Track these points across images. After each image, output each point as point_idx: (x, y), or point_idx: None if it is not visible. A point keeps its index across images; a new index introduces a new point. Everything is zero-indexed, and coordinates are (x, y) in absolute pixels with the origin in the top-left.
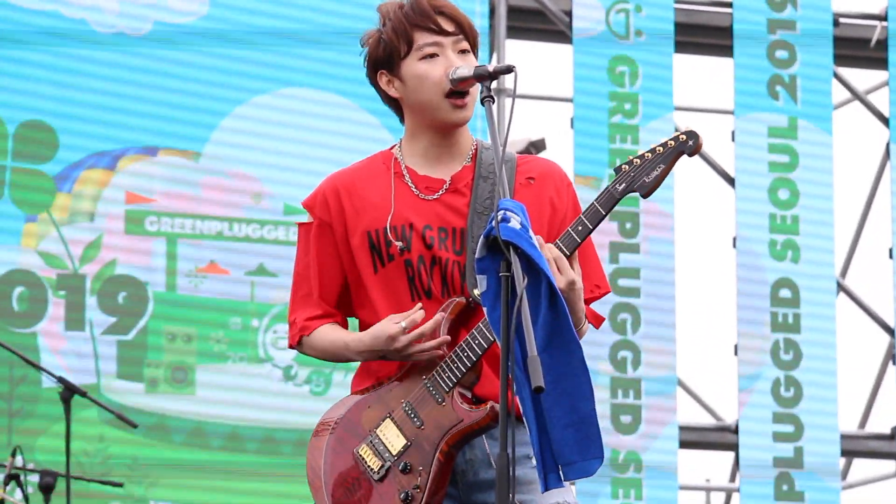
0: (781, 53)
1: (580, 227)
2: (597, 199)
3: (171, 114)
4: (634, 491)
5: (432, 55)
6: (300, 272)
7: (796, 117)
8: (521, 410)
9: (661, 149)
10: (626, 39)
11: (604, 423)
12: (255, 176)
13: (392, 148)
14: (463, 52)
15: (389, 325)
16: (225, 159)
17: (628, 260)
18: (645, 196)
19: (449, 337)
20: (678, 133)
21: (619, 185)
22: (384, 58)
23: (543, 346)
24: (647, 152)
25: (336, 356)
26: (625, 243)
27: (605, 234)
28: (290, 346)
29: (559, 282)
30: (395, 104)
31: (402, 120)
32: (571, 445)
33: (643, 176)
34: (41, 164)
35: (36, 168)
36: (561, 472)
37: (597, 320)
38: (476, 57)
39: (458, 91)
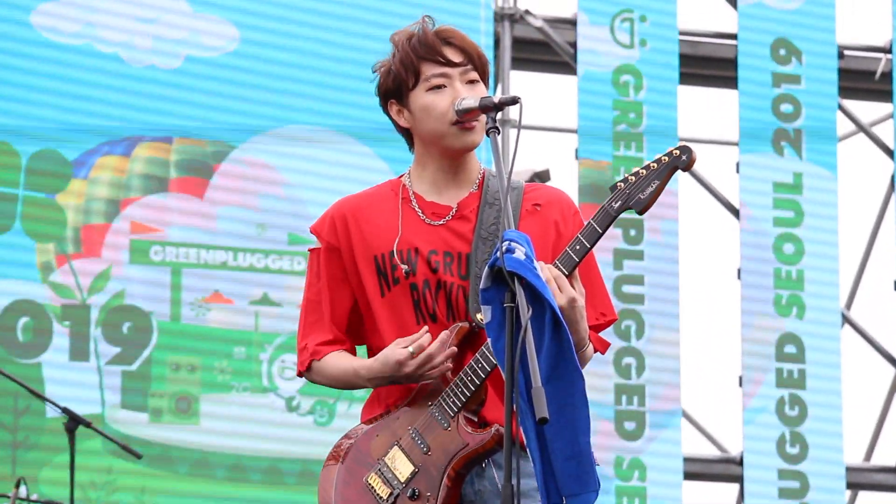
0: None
1: (578, 247)
2: (593, 217)
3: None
4: (639, 500)
5: (439, 86)
6: (310, 298)
7: (801, 174)
8: (525, 441)
9: (654, 165)
10: (630, 74)
11: (608, 426)
12: (260, 206)
13: (401, 176)
14: (471, 82)
15: (397, 350)
16: (232, 191)
17: (632, 266)
18: (641, 213)
19: (456, 348)
20: (671, 149)
21: (615, 202)
22: (393, 88)
23: (547, 377)
24: (642, 169)
25: (346, 383)
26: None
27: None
28: (299, 373)
29: (559, 300)
30: (405, 132)
31: (411, 148)
32: (573, 477)
33: (638, 193)
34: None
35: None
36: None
37: (603, 346)
38: (486, 85)
39: (462, 118)
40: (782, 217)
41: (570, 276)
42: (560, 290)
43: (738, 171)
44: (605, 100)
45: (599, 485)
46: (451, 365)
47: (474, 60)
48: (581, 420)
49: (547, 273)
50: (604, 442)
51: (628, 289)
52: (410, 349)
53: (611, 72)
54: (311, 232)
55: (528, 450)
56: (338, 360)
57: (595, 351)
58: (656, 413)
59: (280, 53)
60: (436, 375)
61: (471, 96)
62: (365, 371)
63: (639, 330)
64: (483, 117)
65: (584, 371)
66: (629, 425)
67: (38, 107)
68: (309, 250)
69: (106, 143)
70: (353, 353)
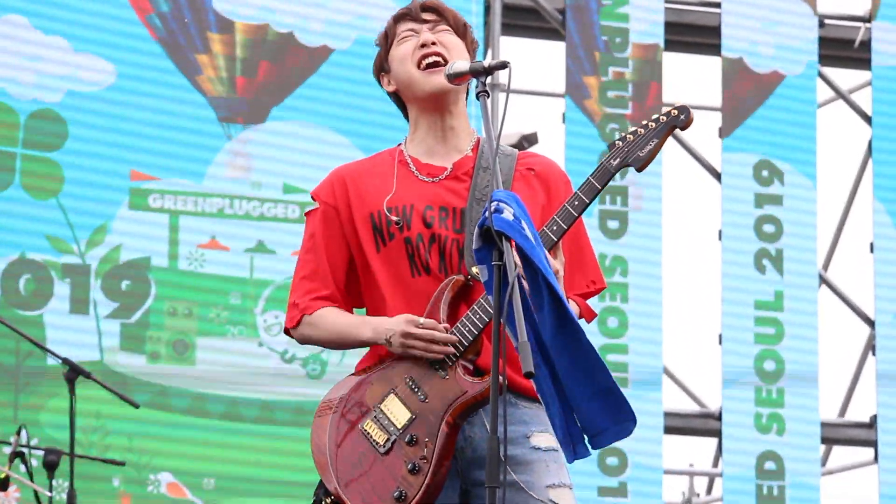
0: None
1: (576, 202)
2: (592, 174)
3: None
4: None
5: (406, 37)
6: (304, 258)
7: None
8: (537, 389)
9: (653, 124)
10: (617, 45)
11: None
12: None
13: (399, 144)
14: (439, 32)
15: (411, 316)
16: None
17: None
18: (639, 170)
19: (455, 338)
20: (670, 108)
21: (614, 160)
22: (378, 62)
23: (554, 330)
24: (640, 128)
25: (341, 334)
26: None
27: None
28: (286, 330)
29: None
30: (398, 100)
31: (406, 116)
32: (601, 414)
33: (637, 150)
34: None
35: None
36: (590, 442)
37: (590, 315)
38: (468, 44)
39: (424, 56)
40: (763, 181)
41: (555, 245)
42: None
43: (720, 136)
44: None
45: (634, 415)
46: (439, 356)
47: (448, 20)
48: (592, 360)
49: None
50: None
51: (613, 249)
52: (421, 320)
53: (598, 37)
54: (311, 196)
55: (541, 397)
56: (337, 314)
57: (581, 317)
58: (639, 370)
59: None
60: (417, 354)
61: (461, 60)
62: (375, 322)
63: (623, 293)
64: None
65: None
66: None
67: None
68: (306, 213)
69: None
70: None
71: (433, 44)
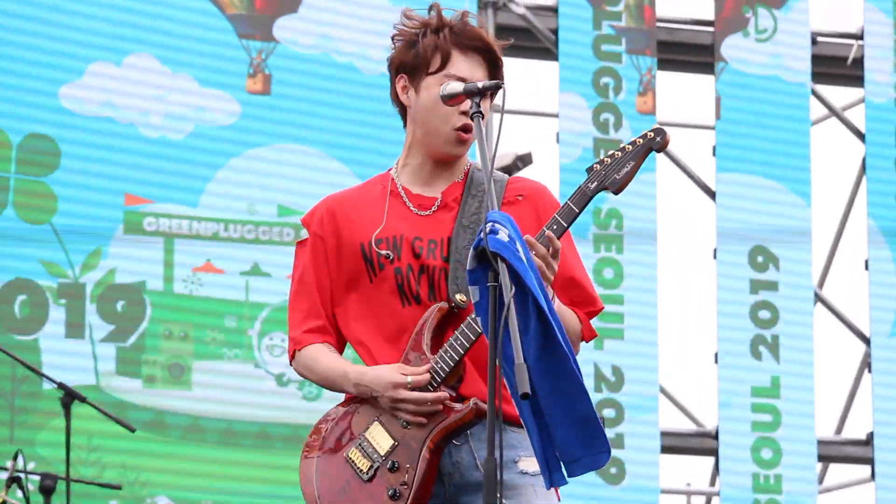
0: None
1: (555, 227)
2: (570, 198)
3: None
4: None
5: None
6: (295, 287)
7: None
8: (519, 413)
9: (629, 147)
10: (610, 59)
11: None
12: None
13: (390, 170)
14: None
15: (396, 374)
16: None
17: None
18: (616, 192)
19: (446, 394)
20: (646, 132)
21: (591, 183)
22: (410, 64)
23: (538, 354)
24: (617, 151)
25: (329, 382)
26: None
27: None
28: (291, 362)
29: (555, 266)
30: (402, 109)
31: (405, 126)
32: (576, 442)
33: (613, 173)
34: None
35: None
36: (565, 470)
37: (590, 335)
38: (498, 74)
39: (465, 128)
40: (758, 199)
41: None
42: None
43: (714, 154)
44: (585, 88)
45: (609, 447)
46: (424, 420)
47: (499, 75)
48: (574, 387)
49: (541, 249)
50: None
51: (608, 272)
52: (409, 379)
53: (591, 57)
54: (301, 223)
55: (522, 422)
56: (323, 356)
57: (581, 339)
58: (635, 388)
59: None
60: (408, 418)
61: (456, 82)
62: (355, 375)
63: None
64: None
65: None
66: (608, 412)
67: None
68: (297, 243)
69: None
70: (339, 348)
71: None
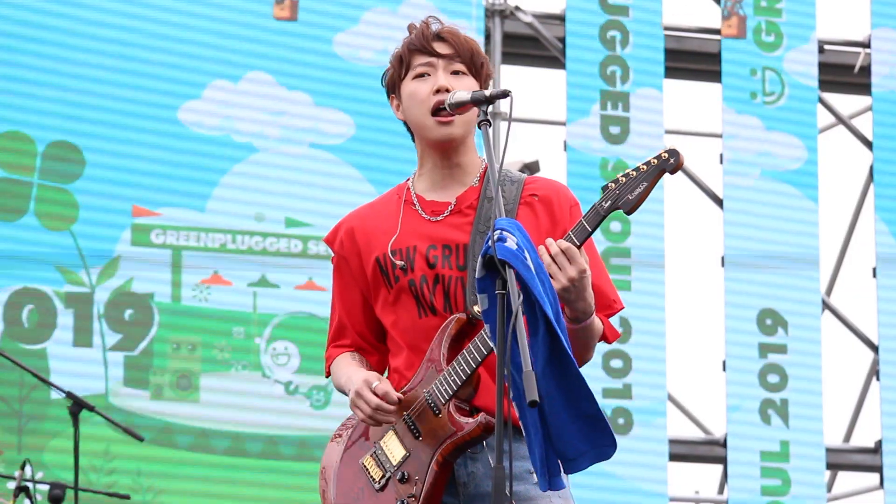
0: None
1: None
2: (584, 215)
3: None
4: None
5: (423, 74)
6: (332, 307)
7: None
8: (519, 419)
9: (644, 167)
10: (616, 65)
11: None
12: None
13: (407, 179)
14: (455, 72)
15: (372, 376)
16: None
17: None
18: (628, 213)
19: (394, 408)
20: (660, 152)
21: (605, 202)
22: (390, 82)
23: (547, 357)
24: (632, 171)
25: (340, 389)
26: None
27: None
28: (327, 375)
29: (569, 272)
30: (406, 126)
31: (416, 143)
32: (581, 437)
33: (627, 193)
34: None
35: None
36: (572, 464)
37: (613, 335)
38: (482, 82)
39: (437, 109)
40: (765, 206)
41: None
42: (571, 261)
43: (721, 163)
44: (592, 93)
45: (615, 441)
46: (373, 422)
47: (463, 54)
48: (580, 389)
49: (555, 247)
50: None
51: (615, 277)
52: (376, 384)
53: (598, 65)
54: (325, 242)
55: (522, 427)
56: (342, 366)
57: (602, 339)
58: (644, 394)
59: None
60: (359, 416)
61: (462, 90)
62: (346, 379)
63: (625, 334)
64: (473, 111)
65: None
66: (619, 420)
67: None
68: (332, 259)
69: None
70: (374, 358)
71: (447, 91)
